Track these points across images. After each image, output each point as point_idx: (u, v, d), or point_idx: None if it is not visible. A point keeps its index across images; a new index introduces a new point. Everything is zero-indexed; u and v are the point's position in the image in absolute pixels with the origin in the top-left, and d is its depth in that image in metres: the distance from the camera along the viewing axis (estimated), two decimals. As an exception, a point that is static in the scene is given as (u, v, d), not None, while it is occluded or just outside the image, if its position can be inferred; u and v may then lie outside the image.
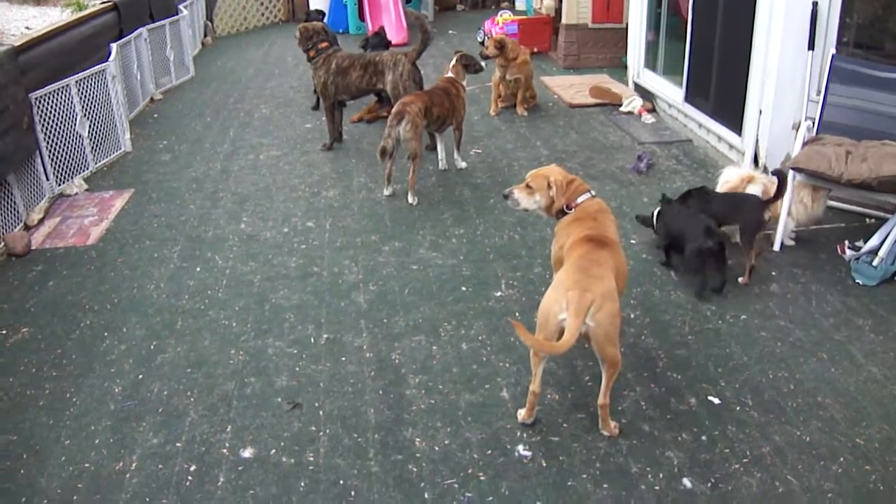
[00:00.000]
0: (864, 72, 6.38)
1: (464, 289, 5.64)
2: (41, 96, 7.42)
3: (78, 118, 8.05)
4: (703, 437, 4.09)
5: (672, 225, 5.81)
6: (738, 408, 4.30)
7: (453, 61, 7.80)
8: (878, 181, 5.49)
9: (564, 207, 4.55)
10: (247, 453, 4.10)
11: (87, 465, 4.08)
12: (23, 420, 4.44)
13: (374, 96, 9.51)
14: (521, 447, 4.06)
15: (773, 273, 5.72)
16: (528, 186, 4.66)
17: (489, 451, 4.04)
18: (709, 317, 5.18)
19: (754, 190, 5.99)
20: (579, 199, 4.53)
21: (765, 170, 7.16)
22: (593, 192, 4.60)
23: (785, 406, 4.31)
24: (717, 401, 4.36)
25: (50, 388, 4.72)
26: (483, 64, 8.14)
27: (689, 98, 8.81)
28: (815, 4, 6.63)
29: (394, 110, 7.06)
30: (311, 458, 4.04)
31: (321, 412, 4.38)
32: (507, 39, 9.78)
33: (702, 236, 5.42)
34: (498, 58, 9.54)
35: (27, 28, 16.19)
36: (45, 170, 7.49)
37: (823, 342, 4.90)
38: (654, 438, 4.09)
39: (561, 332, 3.82)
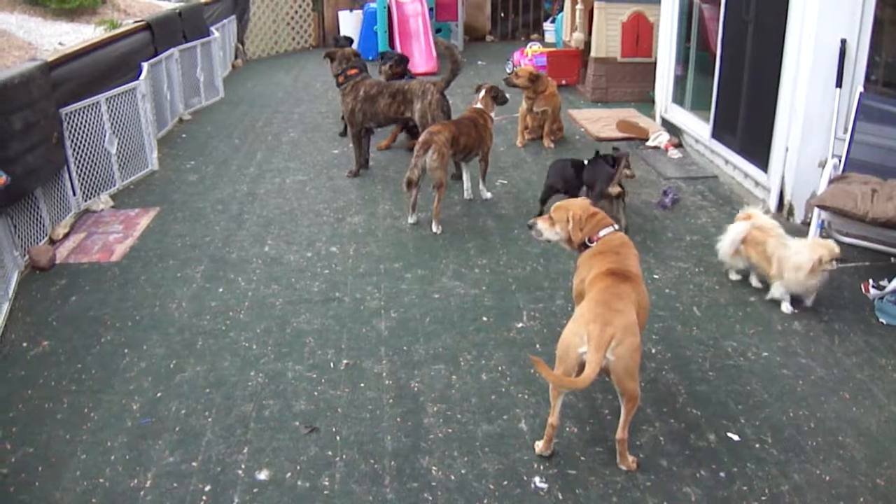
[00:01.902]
0: (891, 110, 6.38)
1: (485, 319, 5.63)
2: (71, 112, 7.50)
3: (107, 135, 8.13)
4: (722, 474, 4.05)
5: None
6: (757, 445, 4.27)
7: (482, 93, 7.82)
8: (903, 221, 5.47)
9: (587, 240, 4.54)
10: (262, 475, 4.09)
11: (101, 480, 4.09)
12: (40, 433, 4.46)
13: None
14: (537, 479, 4.03)
15: (796, 311, 5.68)
16: (550, 218, 4.66)
17: (505, 483, 4.01)
18: (730, 353, 5.15)
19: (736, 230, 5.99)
20: (601, 233, 4.52)
21: (790, 209, 7.15)
22: (616, 226, 4.58)
23: (805, 444, 4.27)
24: (736, 438, 4.32)
25: (68, 402, 4.74)
26: (508, 95, 8.16)
27: (716, 134, 8.80)
28: (843, 42, 6.62)
29: (421, 139, 7.09)
30: (327, 483, 4.03)
31: (338, 437, 4.37)
32: (541, 73, 9.81)
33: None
34: (528, 90, 9.55)
35: (60, 44, 16.34)
36: (72, 185, 7.56)
37: (845, 381, 4.85)
38: (672, 474, 4.06)
39: (581, 366, 3.80)
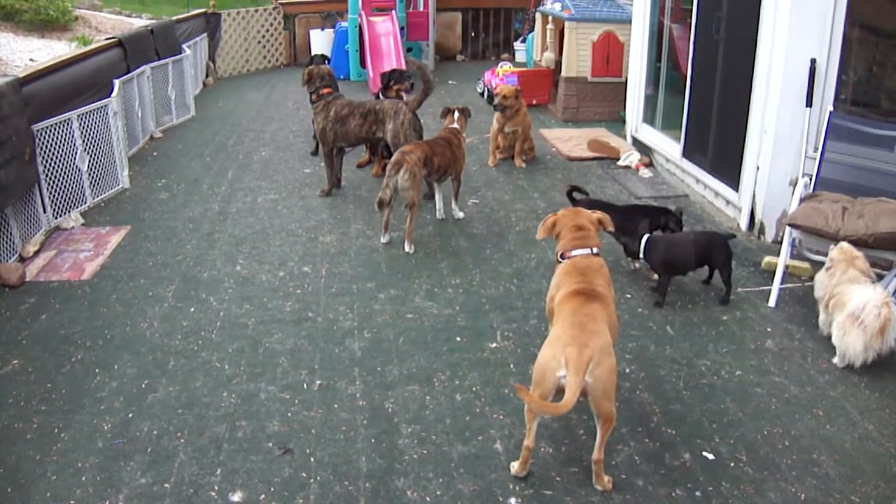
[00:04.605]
0: (861, 129, 6.44)
1: (459, 339, 5.62)
2: (43, 128, 7.44)
3: (78, 152, 8.07)
4: (698, 493, 4.05)
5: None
6: (732, 464, 4.28)
7: (456, 114, 7.84)
8: (874, 238, 5.51)
9: (558, 256, 4.57)
10: (236, 497, 4.05)
11: (72, 502, 4.04)
12: (9, 453, 4.40)
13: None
14: (513, 500, 4.01)
15: (769, 329, 5.71)
16: None
17: None
18: (704, 372, 5.16)
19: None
20: (573, 252, 4.52)
21: (761, 228, 7.19)
22: (595, 250, 4.57)
23: (780, 463, 4.28)
24: (711, 456, 4.33)
25: (38, 422, 4.68)
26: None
27: (686, 153, 8.85)
28: (813, 61, 6.69)
29: (393, 159, 7.08)
30: (301, 504, 4.01)
31: (312, 459, 4.34)
32: (520, 90, 9.85)
33: None
34: (511, 108, 9.55)
35: (31, 60, 16.26)
36: (42, 202, 7.49)
37: (819, 399, 4.88)
38: (648, 494, 4.06)
39: (558, 389, 3.80)
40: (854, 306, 5.14)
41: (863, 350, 5.08)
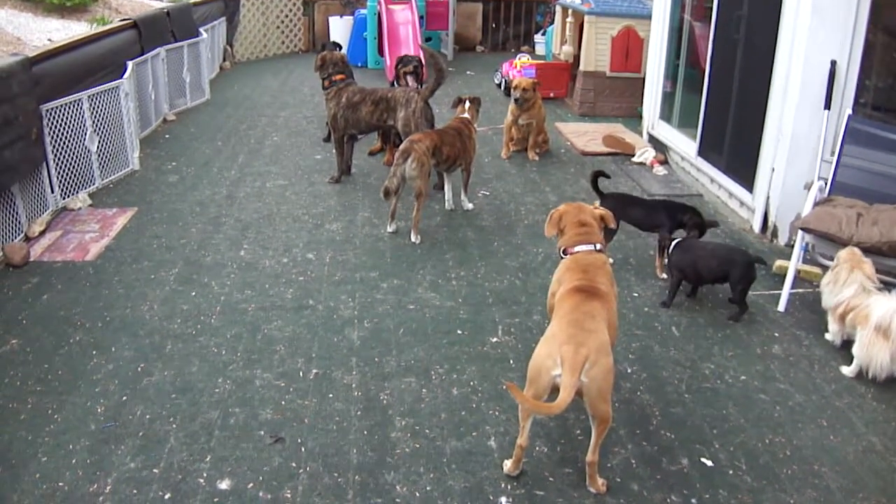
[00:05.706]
0: (880, 134, 6.32)
1: (459, 332, 5.55)
2: (52, 108, 7.40)
3: (88, 133, 8.03)
4: (693, 500, 3.97)
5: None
6: (731, 471, 4.19)
7: (467, 103, 7.77)
8: (888, 246, 5.40)
9: (561, 252, 4.49)
10: (224, 485, 4.01)
11: (61, 483, 4.00)
12: (2, 433, 4.37)
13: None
14: (504, 499, 3.95)
15: (776, 335, 5.62)
16: None
17: (471, 501, 3.93)
18: (707, 376, 5.08)
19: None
20: (576, 248, 4.44)
21: (774, 230, 7.10)
22: (598, 246, 4.49)
23: (780, 472, 4.20)
24: (710, 463, 4.25)
25: (33, 402, 4.65)
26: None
27: (702, 152, 8.75)
28: (833, 63, 6.58)
29: (401, 148, 7.02)
30: (289, 495, 3.94)
31: (303, 448, 4.29)
32: (537, 82, 9.79)
33: None
34: (529, 101, 9.49)
35: (49, 40, 16.24)
36: (50, 182, 7.47)
37: (824, 408, 4.79)
38: (643, 499, 3.98)
39: (553, 388, 3.72)
40: (879, 318, 5.02)
41: (890, 362, 4.95)
